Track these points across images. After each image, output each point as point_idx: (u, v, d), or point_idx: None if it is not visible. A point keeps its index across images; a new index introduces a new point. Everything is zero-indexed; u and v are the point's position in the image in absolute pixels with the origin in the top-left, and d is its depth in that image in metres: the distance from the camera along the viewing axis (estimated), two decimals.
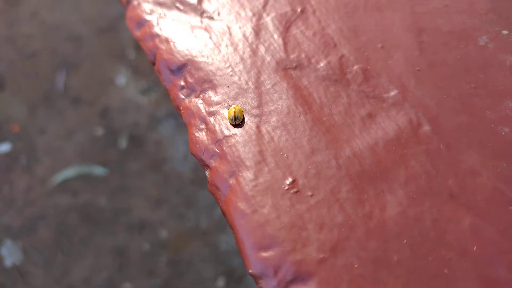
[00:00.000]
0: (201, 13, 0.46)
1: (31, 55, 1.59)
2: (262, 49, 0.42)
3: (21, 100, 1.51)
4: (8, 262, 1.23)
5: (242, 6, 0.46)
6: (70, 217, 1.29)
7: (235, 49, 0.42)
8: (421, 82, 0.40)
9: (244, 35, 0.43)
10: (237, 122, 0.38)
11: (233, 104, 0.39)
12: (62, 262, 1.25)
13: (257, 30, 0.44)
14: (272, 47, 0.43)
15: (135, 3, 0.48)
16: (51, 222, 1.28)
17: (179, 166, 1.36)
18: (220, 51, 0.43)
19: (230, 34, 0.44)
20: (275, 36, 0.43)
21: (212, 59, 0.42)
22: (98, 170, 1.36)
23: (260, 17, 0.45)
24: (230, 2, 0.46)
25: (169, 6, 0.47)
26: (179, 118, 1.44)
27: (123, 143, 1.41)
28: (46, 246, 1.27)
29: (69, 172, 1.36)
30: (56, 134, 1.42)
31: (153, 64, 0.45)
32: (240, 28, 0.44)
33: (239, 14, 0.45)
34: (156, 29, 0.45)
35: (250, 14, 0.45)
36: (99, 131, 1.44)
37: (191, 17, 0.46)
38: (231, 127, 0.38)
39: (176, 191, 1.31)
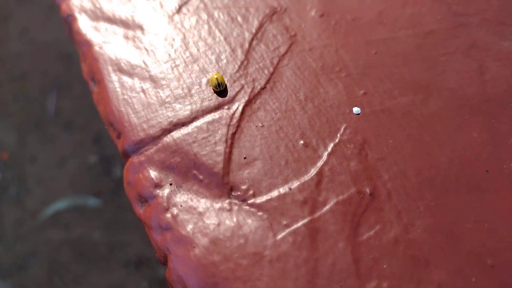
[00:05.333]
0: (229, 190, 0.30)
1: (20, 76, 1.40)
2: (323, 270, 0.27)
3: (10, 125, 1.32)
4: None
5: (285, 180, 0.30)
6: (63, 253, 1.13)
7: (284, 272, 0.27)
8: None
9: (294, 241, 0.28)
10: (221, 88, 0.36)
11: None
12: None
13: (313, 232, 0.28)
14: (338, 267, 0.27)
15: (136, 161, 0.32)
16: (43, 259, 1.12)
17: None
18: (262, 272, 0.27)
19: (274, 235, 0.28)
20: (340, 245, 0.27)
21: (252, 286, 0.26)
22: (92, 202, 1.20)
23: (314, 206, 0.29)
24: (270, 174, 0.30)
25: (184, 174, 0.31)
26: None
27: (117, 171, 1.25)
28: (38, 286, 1.12)
29: (61, 204, 1.19)
30: (47, 162, 1.24)
31: (163, 264, 0.29)
32: (287, 225, 0.28)
33: (284, 197, 0.29)
34: (167, 216, 0.29)
35: (299, 198, 0.29)
36: (93, 159, 1.27)
37: (215, 195, 0.30)
38: None
39: None
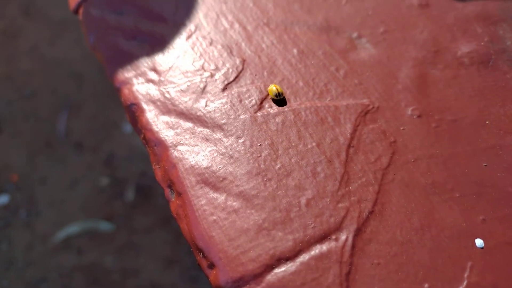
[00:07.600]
0: None
1: (31, 95, 1.32)
2: None
3: (20, 146, 1.25)
4: None
5: None
6: (74, 279, 1.07)
7: None
8: None
9: None
10: (280, 97, 0.36)
11: None
12: None
13: None
14: None
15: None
16: (54, 286, 1.06)
17: None
18: None
19: None
20: None
21: None
22: (104, 226, 1.14)
23: None
24: None
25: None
26: None
27: (130, 195, 1.19)
28: None
29: (72, 228, 1.13)
30: (58, 184, 1.18)
31: None
32: None
33: None
34: None
35: None
36: (104, 181, 1.21)
37: None
38: None
39: (189, 251, 1.10)
